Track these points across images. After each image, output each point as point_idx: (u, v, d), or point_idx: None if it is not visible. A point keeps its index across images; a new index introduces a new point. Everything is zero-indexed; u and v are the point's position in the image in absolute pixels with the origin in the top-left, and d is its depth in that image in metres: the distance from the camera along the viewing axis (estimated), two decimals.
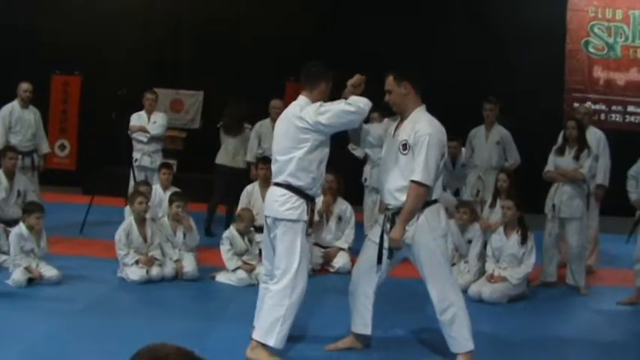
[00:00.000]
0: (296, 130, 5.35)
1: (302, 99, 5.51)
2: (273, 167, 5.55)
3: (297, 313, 5.40)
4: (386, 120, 5.78)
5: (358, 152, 10.71)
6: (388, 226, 5.38)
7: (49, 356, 5.28)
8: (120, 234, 7.68)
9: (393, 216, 5.36)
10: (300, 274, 5.35)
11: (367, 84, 5.54)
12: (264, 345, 5.33)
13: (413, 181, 5.22)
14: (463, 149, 10.19)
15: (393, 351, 5.82)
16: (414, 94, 5.44)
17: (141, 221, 7.81)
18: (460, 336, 5.37)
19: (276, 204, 5.37)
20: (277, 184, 5.45)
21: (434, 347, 5.75)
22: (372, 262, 5.51)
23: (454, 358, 5.41)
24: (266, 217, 5.54)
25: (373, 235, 5.61)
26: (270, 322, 5.31)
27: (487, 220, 8.44)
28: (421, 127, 5.30)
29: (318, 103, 5.38)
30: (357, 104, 5.33)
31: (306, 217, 5.38)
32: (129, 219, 7.87)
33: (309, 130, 5.31)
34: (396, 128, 5.49)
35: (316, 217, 7.89)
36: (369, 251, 5.56)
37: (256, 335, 5.37)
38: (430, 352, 5.74)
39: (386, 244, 5.40)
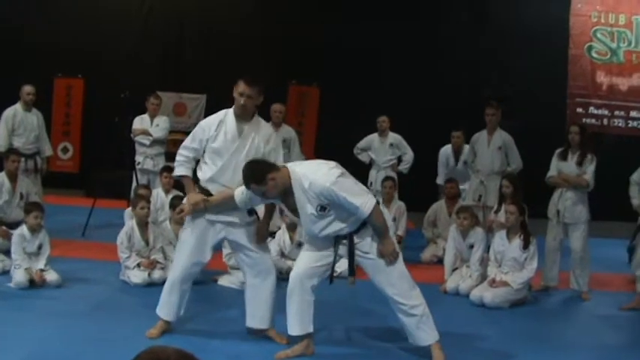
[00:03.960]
0: None
1: None
2: None
3: (175, 293, 5.94)
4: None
5: (363, 157, 10.75)
6: (344, 241, 5.43)
7: (50, 359, 5.28)
8: (122, 237, 7.69)
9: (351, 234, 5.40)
10: (177, 259, 6.06)
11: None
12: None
13: (367, 216, 5.23)
14: (466, 146, 10.22)
15: (386, 349, 5.82)
16: (277, 174, 5.29)
17: (143, 225, 7.83)
18: (428, 326, 5.48)
19: None
20: None
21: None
22: (317, 262, 5.53)
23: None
24: None
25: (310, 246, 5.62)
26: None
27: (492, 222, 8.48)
28: (320, 186, 5.17)
29: (201, 123, 5.97)
30: (176, 161, 6.10)
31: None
32: (131, 222, 7.88)
33: None
34: (289, 205, 5.46)
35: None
36: (313, 253, 5.56)
37: None
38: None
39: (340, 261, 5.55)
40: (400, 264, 5.47)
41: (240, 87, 5.69)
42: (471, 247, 8.11)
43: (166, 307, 5.96)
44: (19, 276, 7.16)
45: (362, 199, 5.21)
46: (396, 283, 5.42)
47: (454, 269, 8.20)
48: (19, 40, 13.70)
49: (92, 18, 14.02)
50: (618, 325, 7.23)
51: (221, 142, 5.74)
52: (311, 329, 5.61)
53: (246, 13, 14.17)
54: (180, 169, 5.93)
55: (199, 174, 5.89)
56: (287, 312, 5.60)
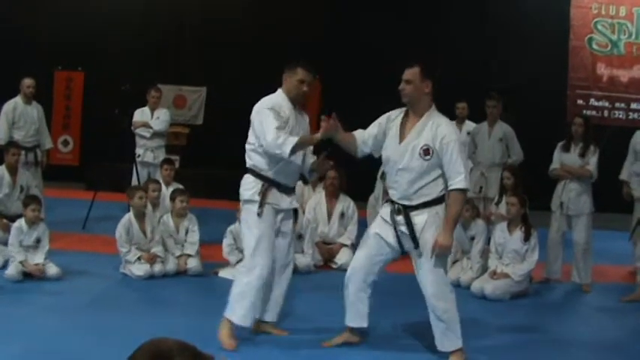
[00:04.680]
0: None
1: (277, 91, 5.70)
2: None
3: (259, 294, 5.56)
4: (382, 120, 5.61)
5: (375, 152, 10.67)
6: (400, 218, 5.36)
7: (51, 352, 5.27)
8: (119, 231, 7.66)
9: (405, 209, 5.33)
10: (259, 254, 5.50)
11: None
12: (229, 321, 5.56)
13: (456, 189, 5.23)
14: (469, 122, 10.20)
15: (392, 345, 5.82)
16: (430, 94, 5.38)
17: (140, 216, 7.81)
18: (454, 334, 5.43)
19: (240, 189, 5.65)
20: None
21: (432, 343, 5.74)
22: (371, 257, 5.52)
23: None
24: None
25: (374, 228, 5.59)
26: (232, 297, 5.56)
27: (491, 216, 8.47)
28: (446, 132, 5.24)
29: (269, 105, 5.49)
30: (276, 144, 5.35)
31: (257, 198, 5.50)
32: (127, 215, 7.86)
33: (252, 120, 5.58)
34: (402, 129, 5.40)
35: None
36: (368, 246, 5.56)
37: (226, 312, 5.61)
38: (428, 349, 5.72)
39: (403, 240, 5.39)
40: (445, 265, 5.42)
41: (301, 74, 5.60)
42: (472, 238, 8.11)
43: (251, 312, 5.62)
44: (11, 269, 7.16)
45: (467, 175, 5.27)
46: (435, 282, 5.33)
47: (455, 261, 8.19)
48: (19, 32, 13.68)
49: (92, 11, 14.02)
50: (618, 317, 7.22)
51: (289, 129, 5.57)
52: (365, 324, 5.65)
53: (247, 5, 14.15)
54: (290, 139, 5.36)
55: (253, 162, 5.60)
56: (344, 302, 5.68)
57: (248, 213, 5.60)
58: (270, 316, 5.87)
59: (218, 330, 5.55)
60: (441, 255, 5.31)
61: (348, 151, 5.63)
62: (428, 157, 5.23)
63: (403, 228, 5.35)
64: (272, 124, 5.40)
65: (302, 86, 5.61)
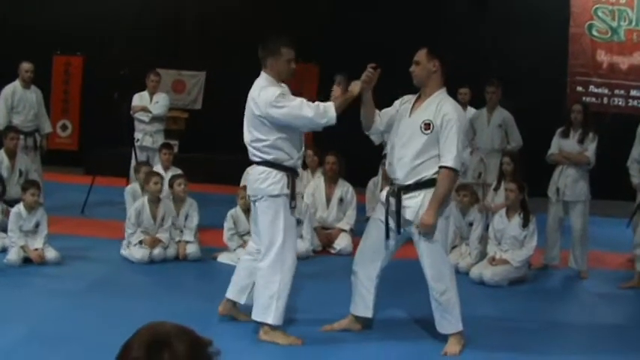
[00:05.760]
0: (253, 115, 5.33)
1: (262, 76, 5.46)
2: (248, 147, 5.52)
3: (291, 287, 5.41)
4: (397, 102, 5.69)
5: (374, 137, 10.65)
6: (393, 200, 5.38)
7: (51, 336, 5.29)
8: (130, 212, 7.69)
9: (399, 191, 5.35)
10: (287, 247, 5.36)
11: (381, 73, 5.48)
12: (269, 325, 5.37)
13: (445, 167, 5.22)
14: (471, 109, 10.17)
15: (392, 332, 5.82)
16: (440, 74, 5.42)
17: (155, 201, 7.79)
18: (453, 317, 5.44)
19: (256, 182, 5.39)
20: (256, 163, 5.44)
21: (433, 329, 5.75)
22: (376, 243, 5.53)
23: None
24: (249, 196, 5.59)
25: (377, 213, 5.61)
26: (266, 300, 5.35)
27: (491, 203, 8.44)
28: (448, 110, 5.28)
29: (277, 93, 5.26)
30: (320, 114, 5.25)
31: (287, 191, 5.37)
32: (142, 199, 7.84)
33: (264, 117, 5.28)
34: (412, 107, 5.45)
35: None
36: (373, 232, 5.56)
37: (254, 315, 5.42)
38: (428, 335, 5.73)
39: (390, 222, 5.41)
40: (444, 247, 5.46)
41: (286, 53, 5.45)
42: (471, 224, 8.12)
43: (285, 309, 5.44)
44: (12, 254, 7.17)
45: (459, 156, 5.26)
46: (433, 263, 5.36)
47: (453, 247, 8.18)
48: (18, 17, 13.63)
49: None
50: (617, 303, 7.25)
51: None
52: (370, 315, 5.67)
53: None
54: (328, 104, 5.31)
55: (274, 156, 5.36)
56: (352, 288, 5.69)
57: (273, 207, 5.35)
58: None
59: (267, 340, 5.38)
60: (426, 234, 5.29)
61: (364, 120, 5.63)
62: (428, 131, 5.26)
63: (394, 209, 5.37)
64: (298, 102, 5.30)
65: (291, 64, 5.48)
